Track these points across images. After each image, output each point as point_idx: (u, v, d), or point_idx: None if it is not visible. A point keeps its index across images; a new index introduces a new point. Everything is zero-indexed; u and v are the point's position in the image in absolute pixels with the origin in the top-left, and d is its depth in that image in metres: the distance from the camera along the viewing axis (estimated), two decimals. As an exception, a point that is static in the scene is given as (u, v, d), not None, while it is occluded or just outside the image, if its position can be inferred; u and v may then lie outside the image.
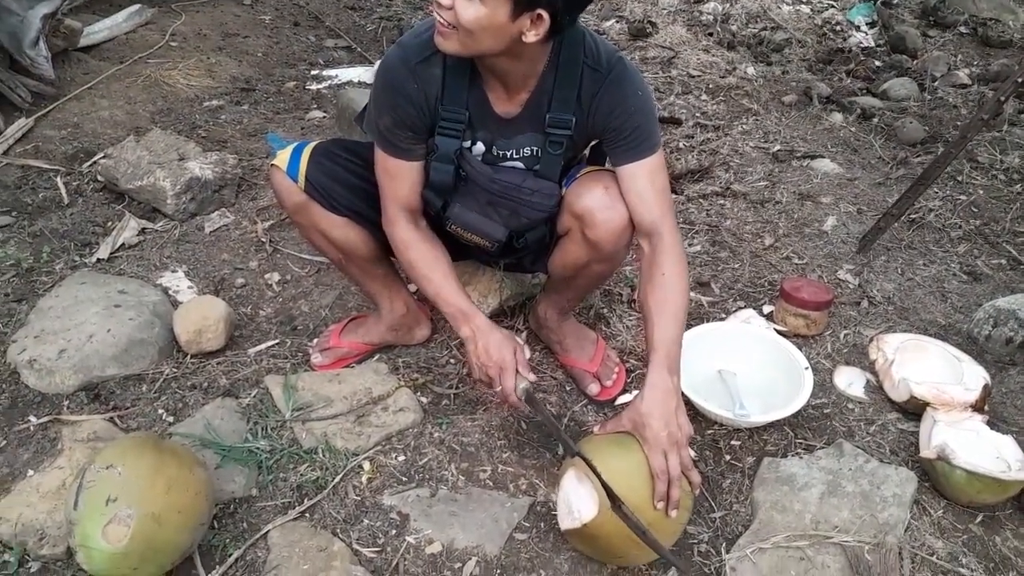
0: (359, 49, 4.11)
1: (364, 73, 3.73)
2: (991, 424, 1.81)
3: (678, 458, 1.43)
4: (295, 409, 1.80)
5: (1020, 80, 2.11)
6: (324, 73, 3.76)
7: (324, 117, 3.33)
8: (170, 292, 2.22)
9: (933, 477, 1.70)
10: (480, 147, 1.65)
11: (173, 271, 2.31)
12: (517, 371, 1.57)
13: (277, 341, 2.07)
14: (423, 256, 1.66)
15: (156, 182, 2.51)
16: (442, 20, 1.40)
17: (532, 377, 1.59)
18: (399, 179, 1.63)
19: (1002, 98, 2.15)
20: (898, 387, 1.92)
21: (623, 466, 1.43)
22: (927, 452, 1.70)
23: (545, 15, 1.37)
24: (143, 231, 2.47)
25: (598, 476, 1.39)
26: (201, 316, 1.98)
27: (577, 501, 1.43)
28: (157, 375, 1.92)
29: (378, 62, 3.71)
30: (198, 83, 3.50)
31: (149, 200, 2.54)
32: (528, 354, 2.00)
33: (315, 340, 2.05)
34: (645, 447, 1.44)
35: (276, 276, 2.32)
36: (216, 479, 1.61)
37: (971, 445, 1.70)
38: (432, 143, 1.61)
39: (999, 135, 3.33)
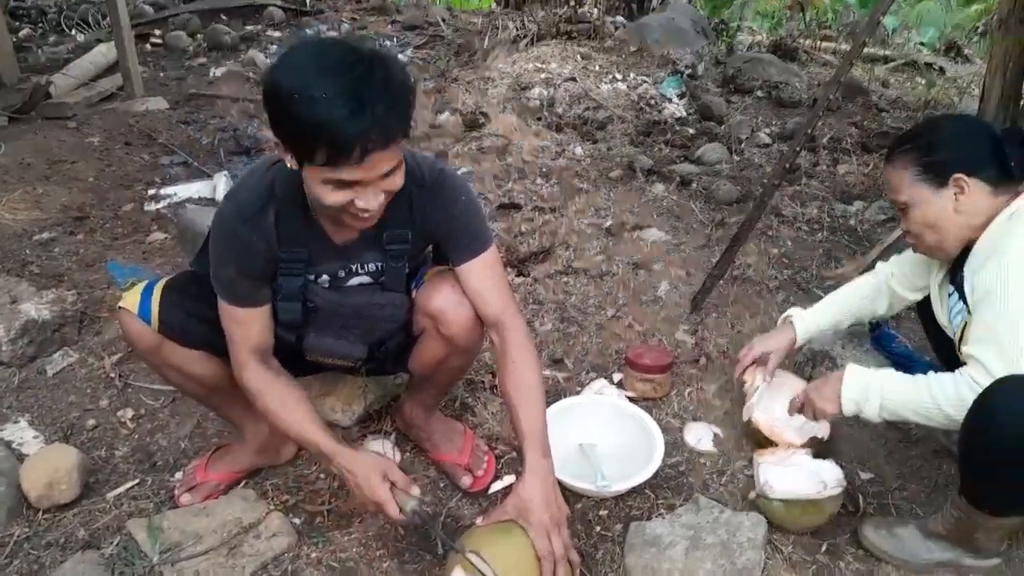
0: (196, 164, 4.08)
1: (203, 188, 3.71)
2: (818, 455, 1.99)
3: (560, 539, 1.53)
4: (163, 551, 1.74)
5: (798, 148, 2.42)
6: (162, 192, 3.70)
7: (166, 238, 3.28)
8: (13, 445, 2.10)
9: (767, 516, 1.84)
10: (325, 278, 1.72)
11: (15, 422, 2.20)
12: (399, 490, 1.60)
13: (137, 481, 2.00)
14: (277, 400, 1.66)
15: (-13, 330, 2.39)
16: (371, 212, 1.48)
17: (416, 492, 1.62)
18: (247, 325, 1.65)
19: (787, 164, 2.46)
20: (748, 408, 2.08)
21: (509, 553, 1.51)
22: (751, 495, 1.88)
23: None
24: (-24, 383, 2.34)
25: (479, 570, 1.46)
26: (51, 468, 1.89)
27: (466, 598, 1.48)
28: (7, 538, 1.81)
29: (217, 176, 3.68)
30: (25, 216, 3.38)
31: (-19, 349, 2.42)
32: (398, 457, 2.05)
33: (179, 478, 1.99)
34: (530, 531, 1.52)
35: (129, 412, 2.25)
36: (83, 643, 1.53)
37: (793, 477, 1.85)
38: (276, 285, 1.67)
39: (799, 188, 3.74)
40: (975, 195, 1.67)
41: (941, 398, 1.56)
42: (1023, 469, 1.47)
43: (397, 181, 1.48)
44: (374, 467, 1.60)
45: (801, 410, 1.86)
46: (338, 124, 1.31)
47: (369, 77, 1.34)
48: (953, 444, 1.76)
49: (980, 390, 1.50)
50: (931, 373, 1.62)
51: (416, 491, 1.62)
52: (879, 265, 2.11)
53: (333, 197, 1.43)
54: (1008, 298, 1.53)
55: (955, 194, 1.68)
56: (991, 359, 1.51)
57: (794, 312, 2.14)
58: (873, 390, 1.67)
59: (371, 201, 1.45)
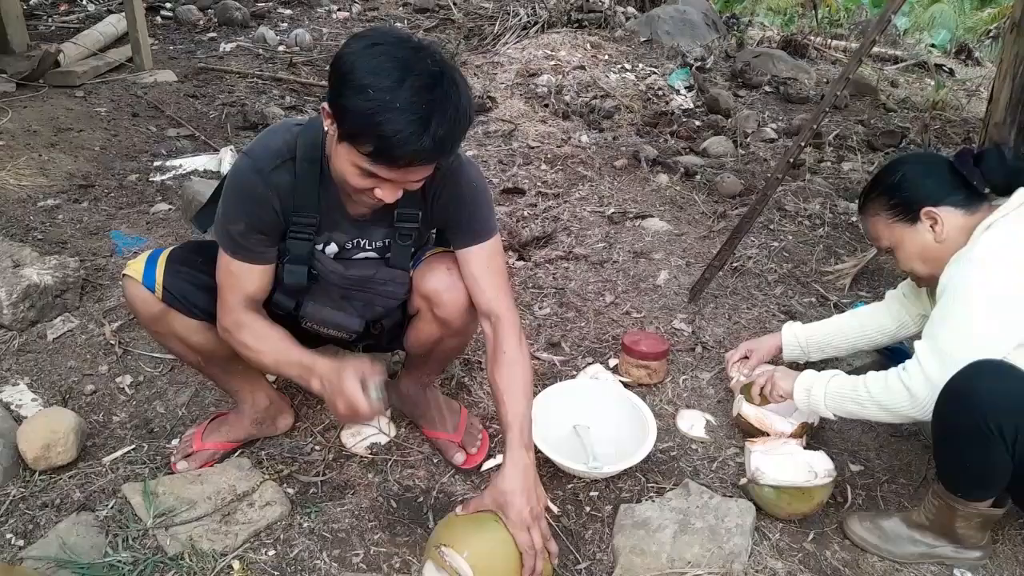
0: (203, 137, 4.09)
1: (209, 161, 3.72)
2: (809, 446, 2.01)
3: (539, 531, 1.54)
4: (157, 515, 1.76)
5: (804, 144, 2.42)
6: (167, 164, 3.71)
7: (170, 209, 3.29)
8: (12, 407, 2.12)
9: (756, 501, 1.87)
10: (333, 247, 1.72)
11: (14, 384, 2.22)
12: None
13: (133, 447, 2.02)
14: (256, 332, 1.66)
15: (-11, 293, 2.40)
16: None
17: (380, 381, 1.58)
18: (246, 279, 1.65)
19: (792, 159, 2.46)
20: (736, 403, 2.12)
21: (486, 545, 1.52)
22: (741, 481, 1.89)
23: None
24: (-23, 345, 2.35)
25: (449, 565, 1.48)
26: (48, 430, 1.91)
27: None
28: (3, 497, 1.83)
29: (223, 150, 3.68)
30: (30, 182, 3.38)
31: (-18, 312, 2.43)
32: (393, 432, 2.06)
33: (176, 445, 2.01)
34: (509, 524, 1.53)
35: (128, 379, 2.27)
36: (76, 600, 1.55)
37: (784, 465, 1.86)
38: (283, 247, 1.67)
39: (802, 184, 3.74)
40: (950, 221, 1.75)
41: (872, 385, 1.71)
42: (986, 449, 1.54)
43: (422, 183, 1.50)
44: (352, 368, 1.56)
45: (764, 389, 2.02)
46: (398, 136, 1.32)
47: (444, 102, 1.35)
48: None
49: (907, 378, 1.64)
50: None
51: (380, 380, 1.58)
52: (888, 292, 2.17)
53: (356, 180, 1.44)
54: (955, 298, 1.63)
55: (931, 226, 1.77)
56: (925, 352, 1.63)
57: (790, 323, 2.25)
58: (821, 379, 1.85)
59: (390, 196, 1.47)
